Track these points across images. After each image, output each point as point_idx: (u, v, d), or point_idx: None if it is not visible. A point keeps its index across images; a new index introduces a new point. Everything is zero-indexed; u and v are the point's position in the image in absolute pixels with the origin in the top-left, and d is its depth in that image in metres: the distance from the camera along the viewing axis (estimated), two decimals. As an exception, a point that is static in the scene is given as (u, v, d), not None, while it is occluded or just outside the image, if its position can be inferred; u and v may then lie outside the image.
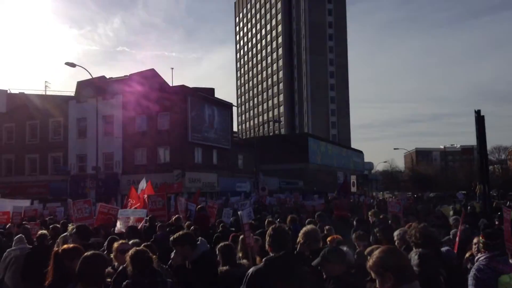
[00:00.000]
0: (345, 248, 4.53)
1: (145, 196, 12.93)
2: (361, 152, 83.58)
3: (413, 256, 3.87)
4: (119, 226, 9.64)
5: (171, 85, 42.03)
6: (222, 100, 42.44)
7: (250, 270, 3.45)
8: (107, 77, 39.91)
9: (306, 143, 57.53)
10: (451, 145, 72.67)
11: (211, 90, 42.20)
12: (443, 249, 5.28)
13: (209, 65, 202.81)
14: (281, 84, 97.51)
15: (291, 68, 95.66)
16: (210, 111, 39.28)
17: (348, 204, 15.04)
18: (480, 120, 15.88)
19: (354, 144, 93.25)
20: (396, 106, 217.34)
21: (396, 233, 5.23)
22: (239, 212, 7.41)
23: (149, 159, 35.54)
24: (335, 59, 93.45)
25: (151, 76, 39.75)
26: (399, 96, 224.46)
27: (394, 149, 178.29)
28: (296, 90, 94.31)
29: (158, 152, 35.84)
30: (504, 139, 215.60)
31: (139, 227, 9.00)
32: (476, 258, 4.41)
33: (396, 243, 5.04)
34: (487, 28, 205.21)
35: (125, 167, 35.77)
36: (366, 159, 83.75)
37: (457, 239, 5.46)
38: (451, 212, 14.42)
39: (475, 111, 15.82)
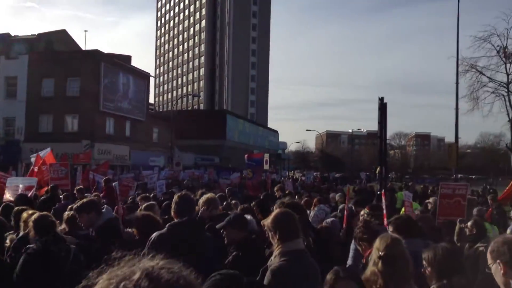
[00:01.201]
0: (249, 217, 4.87)
1: (47, 165, 12.32)
2: (276, 132, 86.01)
3: None
4: (7, 195, 9.14)
5: (83, 48, 39.65)
6: (138, 69, 40.89)
7: (153, 235, 3.58)
8: (12, 34, 36.42)
9: (224, 120, 57.81)
10: (358, 129, 77.58)
11: (128, 58, 40.30)
12: (330, 219, 5.97)
13: (126, 31, 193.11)
14: (202, 58, 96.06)
15: (213, 43, 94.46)
16: (125, 80, 37.69)
17: (260, 182, 15.59)
18: (382, 106, 17.24)
19: (270, 124, 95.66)
20: (312, 89, 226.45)
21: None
22: (114, 184, 7.48)
23: (56, 127, 33.33)
24: (257, 37, 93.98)
25: (61, 37, 37.03)
26: (315, 80, 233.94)
27: (307, 130, 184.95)
28: (218, 66, 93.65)
29: (65, 120, 33.75)
30: (406, 126, 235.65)
31: (29, 195, 8.64)
32: (361, 227, 5.03)
33: None
34: (400, 20, 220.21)
35: (28, 134, 33.17)
36: (281, 139, 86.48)
37: (345, 213, 6.13)
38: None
39: (378, 98, 17.16)
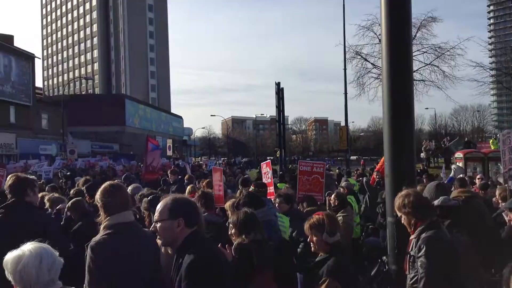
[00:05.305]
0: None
1: None
2: (180, 117, 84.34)
3: None
4: None
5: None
6: (22, 49, 36.93)
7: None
8: None
9: (123, 105, 55.01)
10: (262, 114, 79.20)
11: (10, 38, 36.42)
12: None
13: (6, 8, 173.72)
14: (95, 39, 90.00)
15: (107, 22, 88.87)
16: (7, 61, 33.95)
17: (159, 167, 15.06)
18: (279, 91, 17.62)
19: (174, 109, 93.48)
20: (214, 74, 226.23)
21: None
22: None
23: None
24: (155, 19, 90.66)
25: None
26: (216, 64, 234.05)
27: (211, 116, 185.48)
28: (113, 47, 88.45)
29: None
30: (305, 111, 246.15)
31: None
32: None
33: None
34: (292, 8, 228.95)
35: None
36: (186, 125, 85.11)
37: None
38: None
39: (275, 83, 17.43)
